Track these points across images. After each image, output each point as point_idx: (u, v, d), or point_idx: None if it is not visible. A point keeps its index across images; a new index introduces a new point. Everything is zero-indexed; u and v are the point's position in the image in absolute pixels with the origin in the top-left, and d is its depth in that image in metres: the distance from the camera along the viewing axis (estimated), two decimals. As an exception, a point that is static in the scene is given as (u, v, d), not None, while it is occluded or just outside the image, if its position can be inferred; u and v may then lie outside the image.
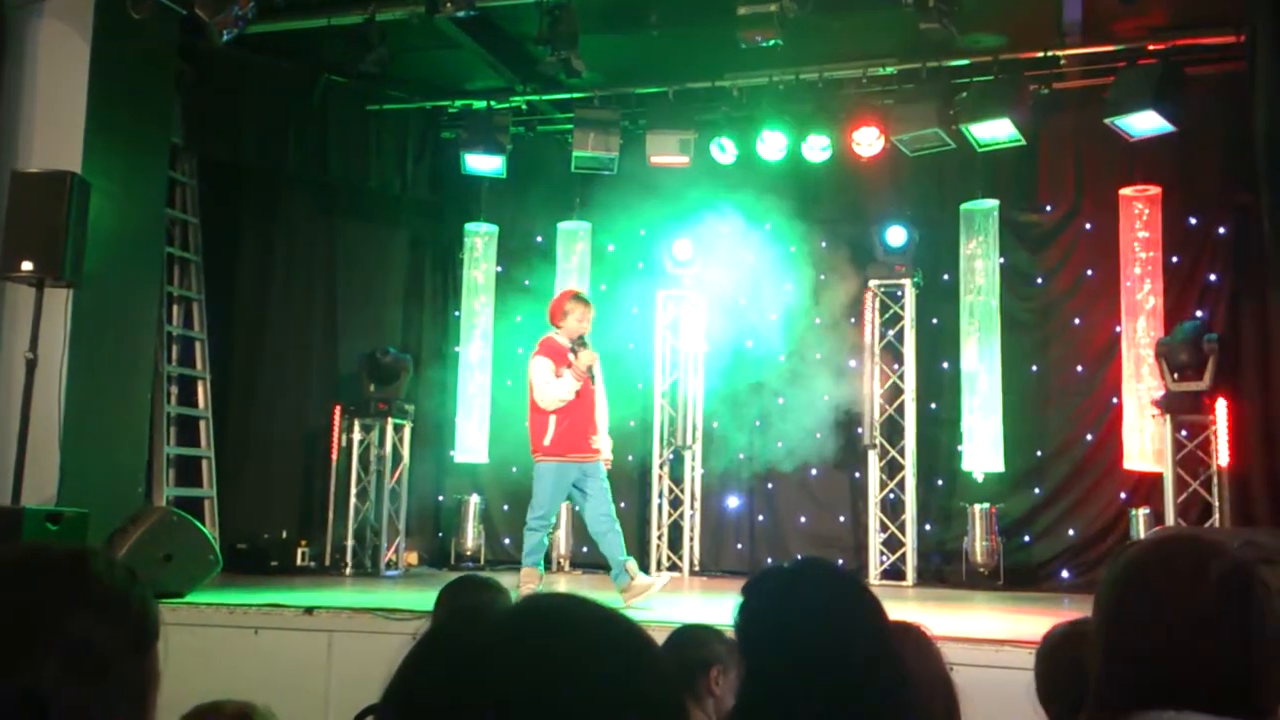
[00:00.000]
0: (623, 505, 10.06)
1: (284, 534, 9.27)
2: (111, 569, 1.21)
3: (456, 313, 10.52)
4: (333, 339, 10.02)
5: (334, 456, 9.43)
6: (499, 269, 10.50)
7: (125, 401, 7.68)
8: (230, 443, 9.40)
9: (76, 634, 1.13)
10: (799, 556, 3.39)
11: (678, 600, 6.82)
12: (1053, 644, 2.74)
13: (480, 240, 10.47)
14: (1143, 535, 8.11)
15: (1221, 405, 8.02)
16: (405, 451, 9.61)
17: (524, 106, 10.02)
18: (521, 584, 6.67)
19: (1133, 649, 1.54)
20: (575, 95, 9.60)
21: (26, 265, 6.36)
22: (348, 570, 9.12)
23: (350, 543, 9.23)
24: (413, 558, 9.86)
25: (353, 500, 9.30)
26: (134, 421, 7.79)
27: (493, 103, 9.84)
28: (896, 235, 9.36)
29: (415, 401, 9.80)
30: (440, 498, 10.30)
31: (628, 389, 9.96)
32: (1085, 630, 2.68)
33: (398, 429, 9.54)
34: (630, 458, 9.99)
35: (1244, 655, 1.49)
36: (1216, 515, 7.95)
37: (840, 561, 8.48)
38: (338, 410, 9.49)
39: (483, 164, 9.77)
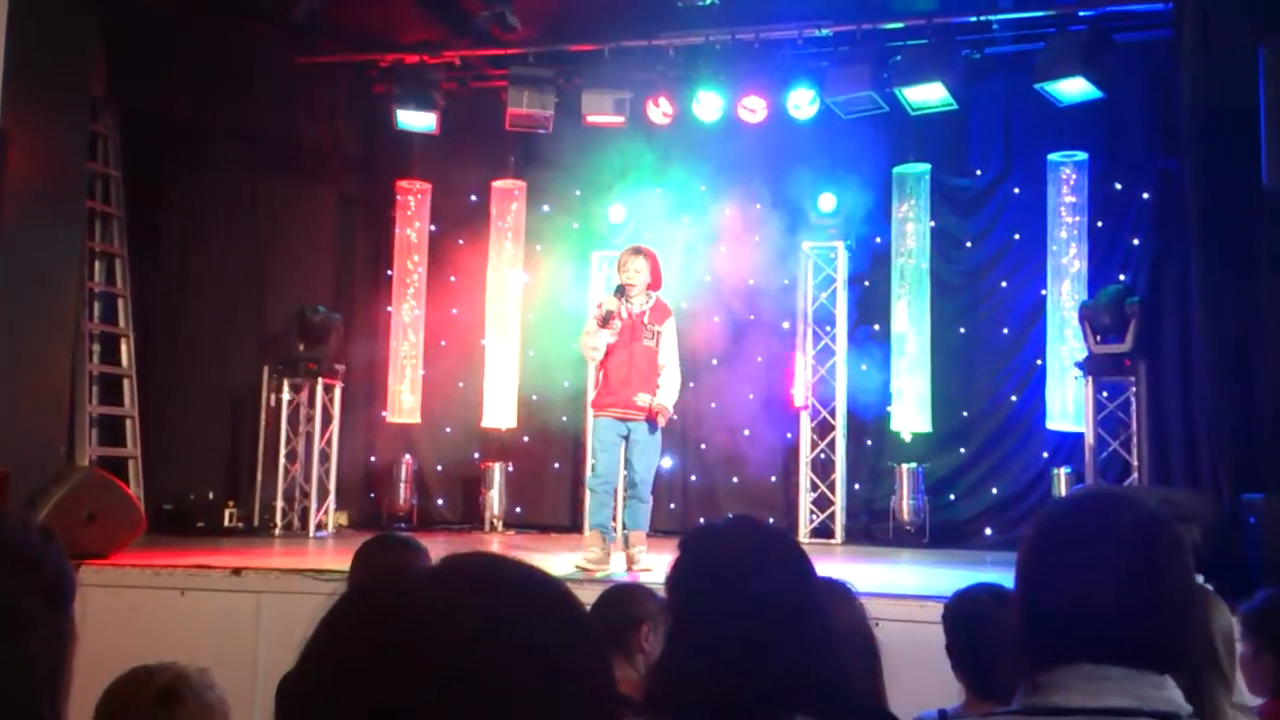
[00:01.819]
0: (557, 466, 10.14)
1: (211, 495, 9.16)
2: (26, 528, 1.18)
3: (389, 271, 10.40)
4: (261, 297, 9.84)
5: (262, 416, 9.31)
6: (433, 228, 10.39)
7: (46, 359, 7.52)
8: (155, 402, 9.24)
9: (-11, 594, 1.11)
10: (730, 515, 3.43)
11: (612, 559, 6.83)
12: (957, 608, 2.80)
13: (413, 198, 10.35)
14: (1063, 494, 8.31)
15: (1142, 367, 8.20)
16: (335, 412, 9.51)
17: (458, 62, 9.88)
18: (584, 546, 6.57)
19: (1051, 605, 1.56)
20: (510, 52, 9.49)
21: (-59, 219, 6.18)
22: (276, 531, 9.03)
23: (279, 503, 9.14)
24: (343, 518, 9.79)
25: (282, 461, 9.20)
26: (55, 380, 7.63)
27: (425, 58, 9.69)
28: (828, 201, 9.41)
29: (346, 361, 9.69)
30: (372, 458, 10.22)
31: (563, 350, 9.95)
32: (982, 594, 2.75)
33: (328, 389, 9.43)
34: (565, 418, 10.00)
35: (1157, 608, 1.53)
36: (1135, 475, 8.15)
37: (771, 520, 8.57)
38: (266, 370, 9.36)
39: (415, 120, 9.62)
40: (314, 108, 10.06)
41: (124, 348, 9.08)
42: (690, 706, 1.79)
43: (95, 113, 8.61)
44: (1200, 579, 2.85)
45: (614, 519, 6.93)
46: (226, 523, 8.98)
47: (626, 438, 6.61)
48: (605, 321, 6.53)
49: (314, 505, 9.16)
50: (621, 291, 6.63)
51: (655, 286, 6.76)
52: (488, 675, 0.81)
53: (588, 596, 3.02)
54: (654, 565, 6.24)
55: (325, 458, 9.36)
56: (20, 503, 6.02)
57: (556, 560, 6.71)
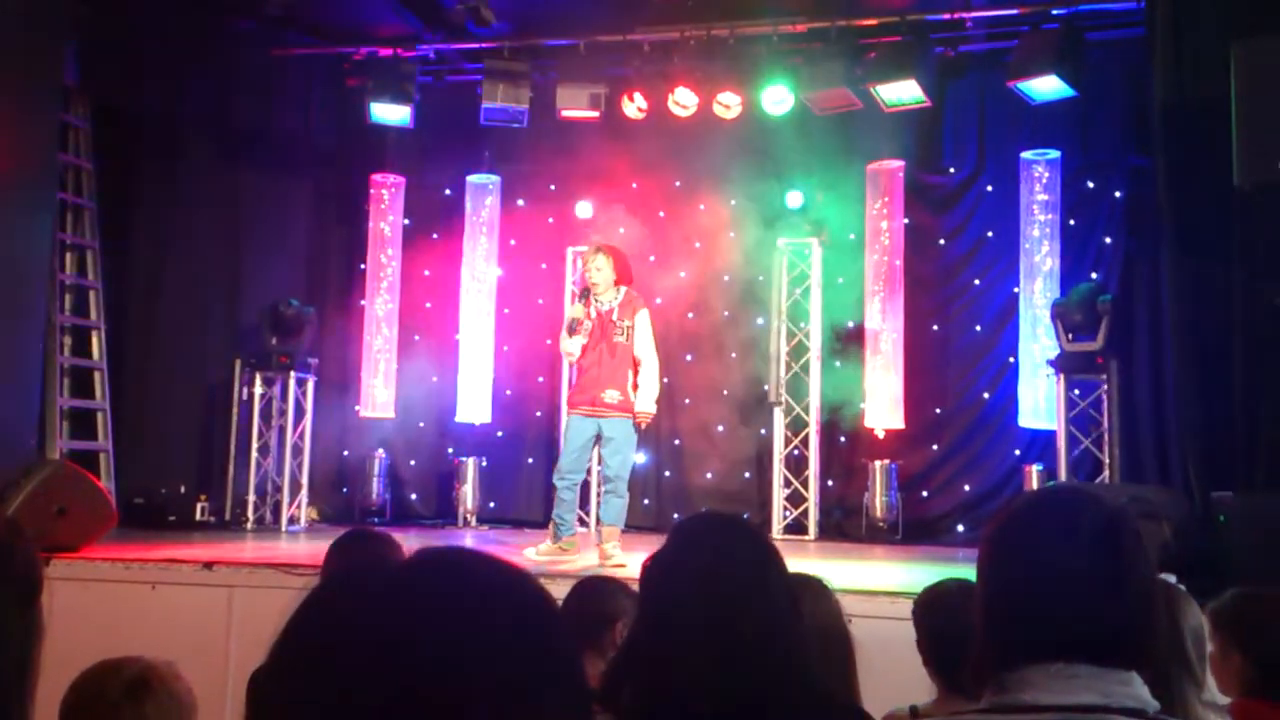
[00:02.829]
0: (530, 461, 10.12)
1: (182, 488, 9.08)
2: (-7, 522, 1.17)
3: (362, 265, 10.36)
4: (234, 290, 9.77)
5: (234, 410, 9.25)
6: (406, 221, 10.36)
7: (16, 352, 7.45)
8: (127, 395, 9.17)
9: (-45, 588, 1.10)
10: (701, 511, 3.44)
11: (585, 555, 6.84)
12: (926, 604, 2.81)
13: (387, 191, 10.31)
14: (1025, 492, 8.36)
15: (1114, 365, 8.26)
16: (308, 405, 9.47)
17: (432, 55, 9.85)
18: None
19: (1015, 603, 1.56)
20: (484, 46, 9.47)
21: (-92, 209, 6.11)
22: (248, 526, 8.98)
23: (251, 498, 9.09)
24: (315, 513, 9.75)
25: (254, 455, 9.15)
26: (25, 372, 7.56)
27: (400, 51, 9.65)
28: (795, 198, 9.44)
29: (320, 355, 9.65)
30: (345, 453, 10.18)
31: (535, 345, 9.94)
32: (950, 589, 2.77)
33: (300, 383, 9.39)
34: (539, 413, 10.00)
35: (1122, 604, 1.53)
36: (1106, 472, 8.20)
37: (745, 516, 8.60)
38: (238, 363, 9.30)
39: (389, 113, 9.59)
40: (287, 100, 9.99)
41: (95, 340, 9.01)
42: (656, 700, 1.79)
43: (67, 104, 8.54)
44: (1172, 577, 2.87)
45: (575, 514, 6.98)
46: (198, 517, 8.91)
47: (599, 435, 6.65)
48: (572, 330, 6.65)
49: (286, 500, 9.12)
50: (587, 292, 6.70)
51: (624, 281, 6.81)
52: (459, 669, 0.81)
53: (560, 591, 3.02)
54: (627, 561, 6.26)
55: (298, 452, 9.32)
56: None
57: (522, 556, 6.72)
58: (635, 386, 6.71)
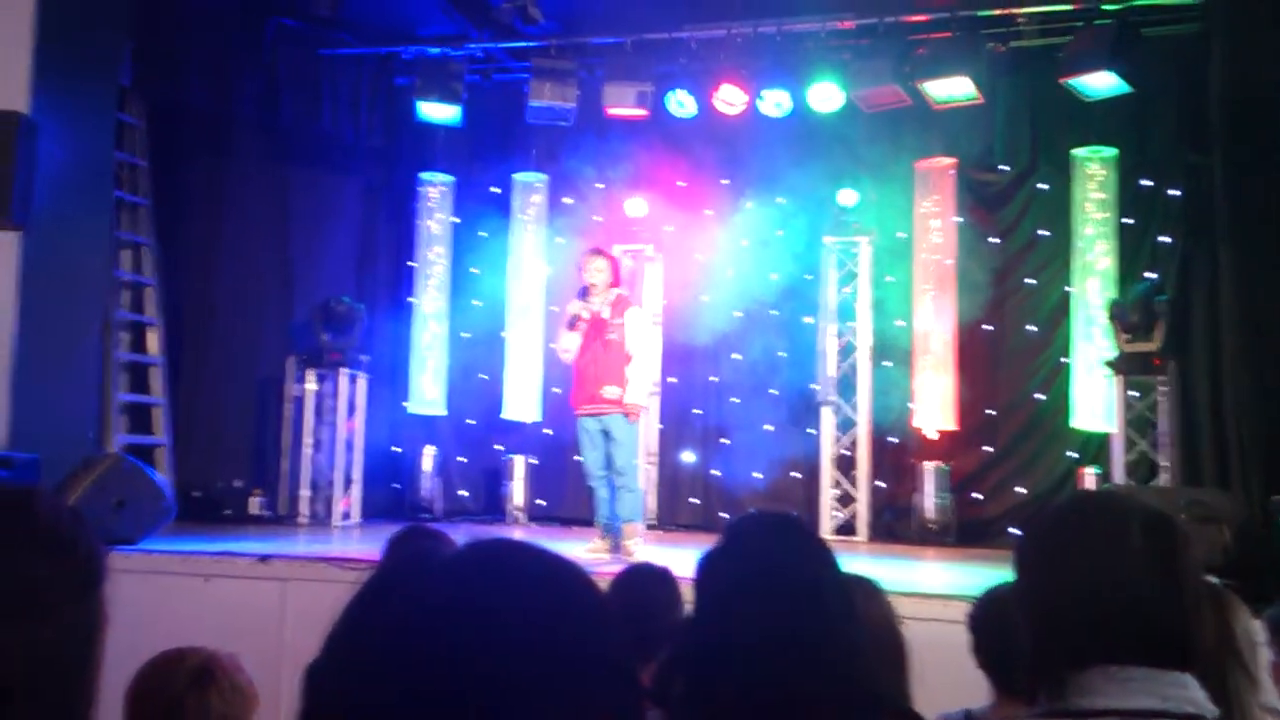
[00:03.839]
0: (578, 459, 10.11)
1: (237, 483, 9.21)
2: (57, 511, 1.19)
3: (411, 263, 10.43)
4: (286, 287, 9.90)
5: (287, 406, 9.36)
6: (455, 220, 10.41)
7: (76, 347, 7.58)
8: (183, 391, 9.31)
9: (21, 573, 1.12)
10: (752, 510, 3.42)
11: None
12: (981, 609, 2.78)
13: (436, 190, 10.38)
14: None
15: (1171, 366, 8.13)
16: (360, 402, 9.54)
17: (480, 54, 9.90)
18: None
19: (1065, 608, 1.55)
20: (532, 44, 9.49)
21: (-28, 208, 6.23)
22: (301, 520, 9.08)
23: (304, 492, 9.19)
24: (366, 508, 9.82)
25: (307, 450, 9.25)
26: (84, 368, 7.68)
27: (448, 50, 9.71)
28: (849, 196, 9.37)
29: (370, 352, 9.73)
30: (396, 449, 10.26)
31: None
32: (1007, 595, 2.73)
33: (352, 379, 9.47)
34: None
35: (1176, 604, 1.52)
36: (1163, 475, 8.08)
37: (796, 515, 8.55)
38: (291, 359, 9.41)
39: (438, 112, 9.64)
40: (337, 100, 10.09)
41: (152, 337, 9.14)
42: (708, 697, 1.78)
43: (123, 103, 8.67)
44: (1220, 580, 2.82)
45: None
46: (252, 511, 9.04)
47: (606, 433, 6.83)
48: (572, 325, 6.85)
49: (338, 494, 9.20)
50: (585, 292, 6.89)
51: (616, 284, 7.05)
52: (511, 661, 0.81)
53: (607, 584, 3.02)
54: (648, 557, 6.31)
55: (349, 447, 9.40)
56: (52, 488, 6.06)
57: (572, 553, 6.75)
58: (627, 381, 6.90)
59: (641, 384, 6.98)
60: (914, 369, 9.24)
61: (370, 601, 0.88)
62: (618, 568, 6.18)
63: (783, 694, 1.73)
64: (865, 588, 2.55)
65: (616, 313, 6.90)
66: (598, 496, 7.02)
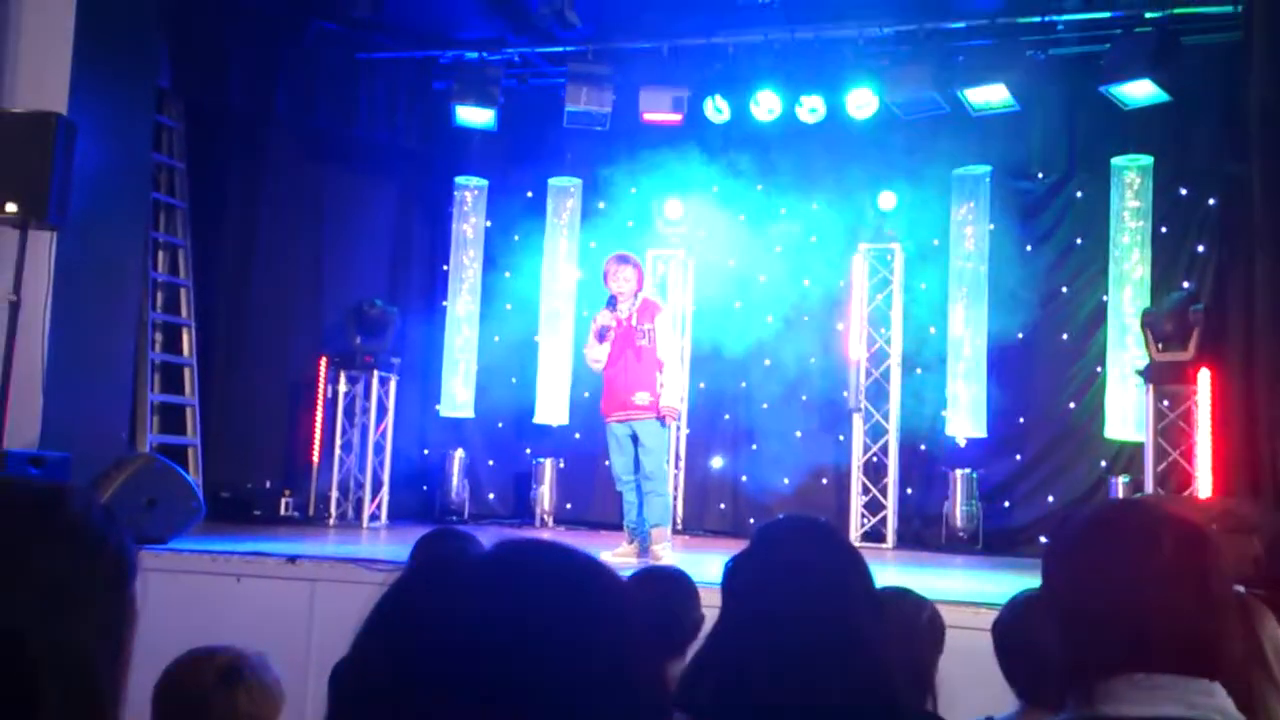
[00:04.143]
0: (607, 463, 10.10)
1: (268, 483, 9.27)
2: (88, 506, 1.20)
3: (445, 266, 10.47)
4: (319, 289, 9.95)
5: (319, 407, 9.41)
6: (489, 223, 10.45)
7: (109, 347, 7.65)
8: (215, 391, 9.37)
9: (52, 569, 1.13)
10: (781, 516, 3.41)
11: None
12: (1006, 618, 2.75)
13: (470, 194, 10.41)
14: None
15: (1205, 375, 8.05)
16: (390, 404, 9.59)
17: (517, 59, 9.93)
18: None
19: (1094, 616, 1.54)
20: (568, 49, 9.51)
21: (10, 207, 6.29)
22: (331, 521, 9.13)
23: (334, 493, 9.24)
24: (395, 510, 9.86)
25: (337, 451, 9.30)
26: (118, 367, 7.75)
27: (485, 54, 9.74)
28: (888, 199, 9.33)
29: (402, 354, 9.78)
30: (425, 451, 10.29)
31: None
32: (1031, 603, 2.70)
33: (384, 381, 9.51)
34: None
35: (1207, 612, 1.51)
36: (1196, 485, 8.00)
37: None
38: (323, 361, 9.46)
39: (474, 116, 9.68)
40: (373, 103, 10.14)
41: (185, 337, 9.22)
42: (735, 701, 1.78)
43: (161, 105, 8.74)
44: (1252, 590, 2.80)
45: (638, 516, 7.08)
46: (282, 512, 9.10)
47: (635, 438, 6.83)
48: (602, 336, 6.87)
49: (368, 496, 9.25)
50: (613, 302, 6.89)
51: (640, 289, 7.04)
52: (540, 662, 0.81)
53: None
54: (675, 563, 6.30)
55: (380, 449, 9.44)
56: (83, 484, 6.12)
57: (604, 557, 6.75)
58: (663, 386, 6.90)
59: (676, 386, 7.00)
60: (946, 376, 9.18)
61: (398, 602, 0.89)
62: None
63: (809, 699, 1.72)
64: (911, 596, 2.54)
65: (644, 318, 6.90)
66: (625, 501, 7.03)
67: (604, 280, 7.06)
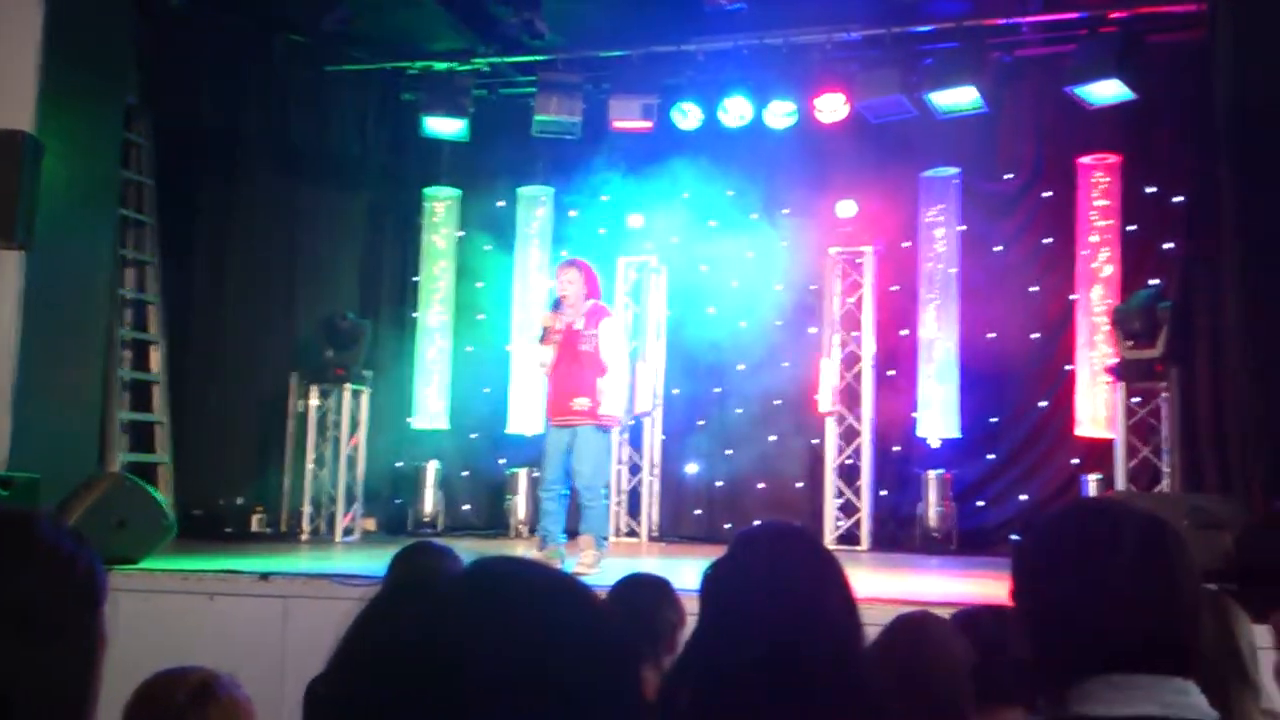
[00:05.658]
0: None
1: (239, 500, 9.20)
2: (57, 531, 1.19)
3: (416, 277, 10.44)
4: (290, 303, 9.88)
5: (290, 422, 9.35)
6: (460, 233, 10.43)
7: (78, 366, 7.57)
8: (185, 408, 9.29)
9: (20, 594, 1.12)
10: (758, 521, 3.41)
11: (637, 565, 6.83)
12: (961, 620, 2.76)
13: (441, 204, 10.39)
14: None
15: (1174, 372, 8.12)
16: (363, 417, 9.53)
17: (486, 69, 9.92)
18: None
19: (1064, 617, 1.54)
20: (538, 58, 9.51)
21: (-24, 226, 6.23)
22: (304, 537, 9.05)
23: (307, 509, 9.17)
24: (370, 524, 9.81)
25: (309, 466, 9.23)
26: (87, 386, 7.68)
27: (454, 65, 9.72)
28: (850, 205, 9.38)
29: (374, 367, 9.72)
30: (399, 464, 10.24)
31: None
32: (982, 614, 2.71)
33: (356, 395, 9.45)
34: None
35: (1174, 609, 1.51)
36: (1166, 481, 8.06)
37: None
38: (294, 376, 9.40)
39: (444, 126, 9.66)
40: (343, 116, 10.11)
41: (154, 354, 9.14)
42: (713, 709, 1.78)
43: (129, 120, 8.68)
44: (1223, 586, 2.82)
45: (560, 524, 6.95)
46: (254, 528, 9.02)
47: (571, 444, 6.72)
48: (544, 338, 6.80)
49: (340, 510, 9.18)
50: (559, 304, 6.84)
51: (592, 295, 6.94)
52: (517, 679, 0.81)
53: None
54: (601, 570, 6.36)
55: (352, 463, 9.38)
56: (52, 508, 6.06)
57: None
58: (603, 392, 6.78)
59: (617, 395, 6.84)
60: (918, 378, 9.23)
61: (376, 619, 0.88)
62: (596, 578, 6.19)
63: (786, 705, 1.72)
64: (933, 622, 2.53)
65: (591, 324, 6.80)
66: (543, 508, 6.91)
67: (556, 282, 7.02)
